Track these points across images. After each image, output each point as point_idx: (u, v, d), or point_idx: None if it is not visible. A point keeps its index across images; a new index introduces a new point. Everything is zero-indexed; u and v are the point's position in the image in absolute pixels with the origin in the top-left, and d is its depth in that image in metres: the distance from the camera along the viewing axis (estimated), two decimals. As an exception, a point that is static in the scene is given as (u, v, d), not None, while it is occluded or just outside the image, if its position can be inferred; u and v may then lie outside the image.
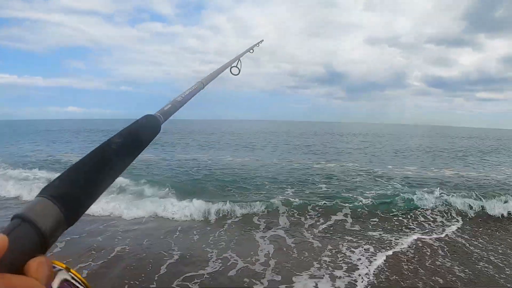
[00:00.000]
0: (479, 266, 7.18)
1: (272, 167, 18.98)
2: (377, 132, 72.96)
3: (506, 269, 7.07)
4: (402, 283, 6.38)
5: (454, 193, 12.50)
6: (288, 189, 13.35)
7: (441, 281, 6.50)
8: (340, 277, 6.57)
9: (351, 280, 6.49)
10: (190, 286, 6.17)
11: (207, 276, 6.51)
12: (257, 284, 6.27)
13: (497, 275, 6.76)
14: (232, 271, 6.75)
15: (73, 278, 0.63)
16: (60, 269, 0.62)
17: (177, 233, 8.97)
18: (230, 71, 2.05)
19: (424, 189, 13.20)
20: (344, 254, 7.69)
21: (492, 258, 7.64)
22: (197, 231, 9.14)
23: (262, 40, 2.91)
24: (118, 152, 0.77)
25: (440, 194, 12.37)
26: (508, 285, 6.37)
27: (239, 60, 2.10)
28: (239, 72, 2.07)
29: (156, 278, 6.43)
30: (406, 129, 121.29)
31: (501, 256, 7.73)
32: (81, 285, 0.63)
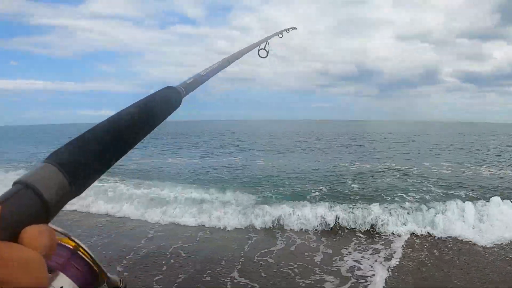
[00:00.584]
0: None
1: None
2: (409, 130, 71.15)
3: None
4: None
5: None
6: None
7: None
8: None
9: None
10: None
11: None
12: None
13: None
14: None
15: (82, 257, 0.60)
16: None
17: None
18: (258, 53, 1.98)
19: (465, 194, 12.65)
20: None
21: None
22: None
23: (295, 28, 2.80)
24: (133, 123, 0.73)
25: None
26: None
27: (267, 42, 2.03)
28: (267, 55, 2.01)
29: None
30: (438, 126, 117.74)
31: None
32: (91, 263, 0.60)
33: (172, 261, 7.54)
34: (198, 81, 1.09)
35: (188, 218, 10.61)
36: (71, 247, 0.60)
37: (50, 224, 0.53)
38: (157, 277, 6.75)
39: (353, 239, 9.02)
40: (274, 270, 7.08)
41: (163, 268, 7.17)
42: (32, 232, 0.46)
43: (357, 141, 42.20)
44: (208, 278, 6.75)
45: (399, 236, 9.19)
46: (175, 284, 6.52)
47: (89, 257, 0.60)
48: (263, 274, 6.91)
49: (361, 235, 9.31)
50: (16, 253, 0.43)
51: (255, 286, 6.47)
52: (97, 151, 0.64)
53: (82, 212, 11.33)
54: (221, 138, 48.83)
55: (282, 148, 32.17)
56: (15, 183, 0.51)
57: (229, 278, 6.75)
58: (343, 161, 22.14)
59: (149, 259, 7.58)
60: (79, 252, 0.60)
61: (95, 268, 0.60)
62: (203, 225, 10.15)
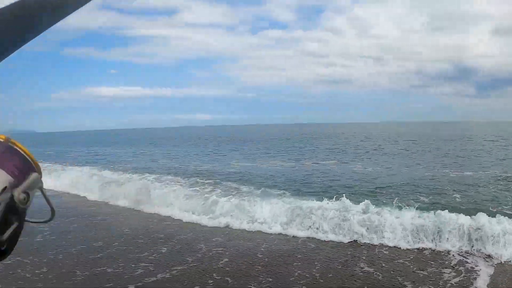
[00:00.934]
0: None
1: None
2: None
3: None
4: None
5: None
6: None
7: None
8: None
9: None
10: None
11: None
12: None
13: None
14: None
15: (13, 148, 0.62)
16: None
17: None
18: None
19: None
20: None
21: None
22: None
23: None
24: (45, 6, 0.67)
25: None
26: None
27: None
28: None
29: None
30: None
31: None
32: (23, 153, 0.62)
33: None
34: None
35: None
36: (1, 140, 0.62)
37: None
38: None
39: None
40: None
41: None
42: None
43: (456, 144, 39.56)
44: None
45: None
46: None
47: (20, 147, 0.62)
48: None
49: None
50: None
51: None
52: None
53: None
54: (316, 142, 48.50)
55: (380, 152, 31.40)
56: None
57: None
58: (443, 167, 21.20)
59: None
60: (10, 144, 0.61)
61: (27, 157, 0.62)
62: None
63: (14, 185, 0.58)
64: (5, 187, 0.57)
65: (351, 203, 10.90)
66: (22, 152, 0.61)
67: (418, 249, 8.56)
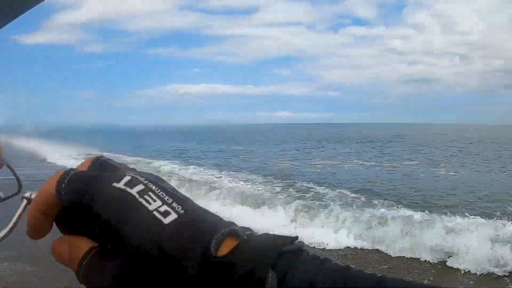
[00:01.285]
0: None
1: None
2: None
3: None
4: None
5: None
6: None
7: None
8: None
9: None
10: None
11: None
12: None
13: None
14: None
15: None
16: None
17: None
18: None
19: None
20: None
21: None
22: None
23: None
24: None
25: None
26: None
27: None
28: None
29: None
30: None
31: None
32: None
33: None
34: None
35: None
36: None
37: None
38: None
39: None
40: None
41: None
42: None
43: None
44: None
45: None
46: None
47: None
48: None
49: None
50: None
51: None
52: None
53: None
54: (397, 141, 46.60)
55: (464, 155, 29.30)
56: None
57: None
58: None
59: None
60: None
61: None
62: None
63: None
64: None
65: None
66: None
67: None
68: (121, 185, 0.45)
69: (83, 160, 0.53)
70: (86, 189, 0.45)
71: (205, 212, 0.45)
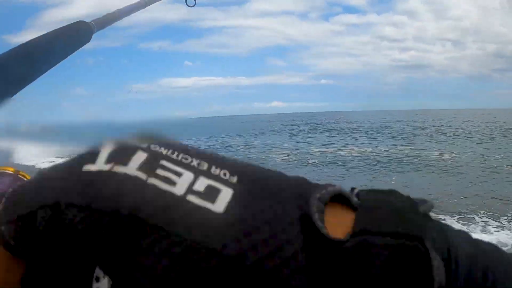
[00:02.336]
0: None
1: None
2: None
3: None
4: None
5: None
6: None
7: None
8: None
9: None
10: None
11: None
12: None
13: None
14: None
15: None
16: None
17: None
18: (186, 2, 1.90)
19: None
20: None
21: None
22: None
23: None
24: (42, 51, 0.73)
25: None
26: None
27: None
28: (195, 3, 1.91)
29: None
30: None
31: None
32: None
33: None
34: (113, 18, 1.06)
35: None
36: (11, 172, 0.63)
37: None
38: None
39: None
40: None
41: None
42: None
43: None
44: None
45: None
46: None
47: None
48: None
49: None
50: None
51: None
52: (8, 73, 0.65)
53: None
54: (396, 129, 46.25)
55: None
56: None
57: None
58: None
59: None
60: (19, 175, 0.62)
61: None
62: None
63: None
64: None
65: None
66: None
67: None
68: (100, 165, 0.24)
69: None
70: (46, 201, 0.24)
71: (271, 172, 0.26)
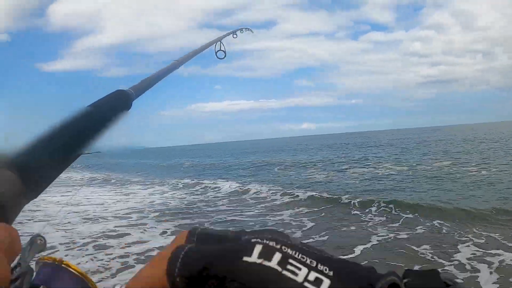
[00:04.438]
0: None
1: None
2: None
3: None
4: None
5: None
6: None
7: None
8: None
9: None
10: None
11: None
12: None
13: None
14: None
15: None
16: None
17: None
18: (216, 55, 2.01)
19: None
20: None
21: None
22: None
23: (251, 30, 2.91)
24: (83, 127, 0.72)
25: None
26: None
27: (221, 42, 2.04)
28: (225, 55, 2.03)
29: None
30: None
31: None
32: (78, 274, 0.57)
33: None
34: (148, 84, 1.08)
35: None
36: (55, 262, 0.58)
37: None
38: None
39: None
40: None
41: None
42: None
43: None
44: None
45: None
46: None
47: (74, 268, 0.59)
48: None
49: None
50: None
51: None
52: (50, 155, 0.63)
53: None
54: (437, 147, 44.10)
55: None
56: None
57: None
58: None
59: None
60: (63, 265, 0.58)
61: (83, 278, 0.59)
62: None
63: None
64: None
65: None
66: (76, 272, 0.58)
67: None
68: (255, 258, 0.39)
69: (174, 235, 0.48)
70: (211, 268, 0.40)
71: (353, 265, 0.41)
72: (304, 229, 9.65)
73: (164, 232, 9.40)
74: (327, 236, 8.78)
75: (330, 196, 13.88)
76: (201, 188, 18.51)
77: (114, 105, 0.85)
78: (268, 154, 48.79)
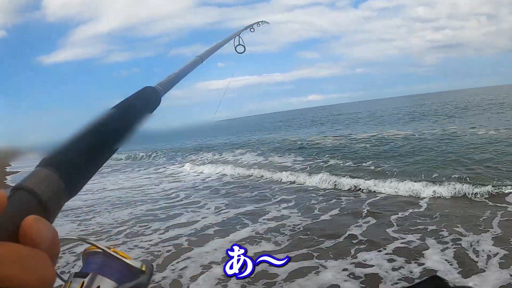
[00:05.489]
0: None
1: None
2: None
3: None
4: None
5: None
6: None
7: None
8: None
9: None
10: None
11: None
12: None
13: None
14: None
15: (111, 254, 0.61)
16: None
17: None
18: (236, 49, 2.07)
19: None
20: None
21: None
22: None
23: (267, 22, 2.92)
24: (116, 124, 0.74)
25: None
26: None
27: (240, 37, 2.10)
28: (245, 50, 2.09)
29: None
30: None
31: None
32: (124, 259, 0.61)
33: None
34: (175, 79, 1.11)
35: None
36: (102, 250, 0.61)
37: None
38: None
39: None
40: None
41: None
42: (28, 225, 0.42)
43: None
44: None
45: None
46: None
47: (122, 255, 0.62)
48: None
49: None
50: (13, 250, 0.40)
51: None
52: (87, 152, 0.65)
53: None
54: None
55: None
56: (12, 189, 0.50)
57: None
58: None
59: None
60: (111, 252, 0.61)
61: (131, 263, 0.61)
62: None
63: None
64: None
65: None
66: (124, 259, 0.62)
67: None
68: None
69: None
70: None
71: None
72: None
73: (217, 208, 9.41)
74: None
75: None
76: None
77: (145, 101, 0.89)
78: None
